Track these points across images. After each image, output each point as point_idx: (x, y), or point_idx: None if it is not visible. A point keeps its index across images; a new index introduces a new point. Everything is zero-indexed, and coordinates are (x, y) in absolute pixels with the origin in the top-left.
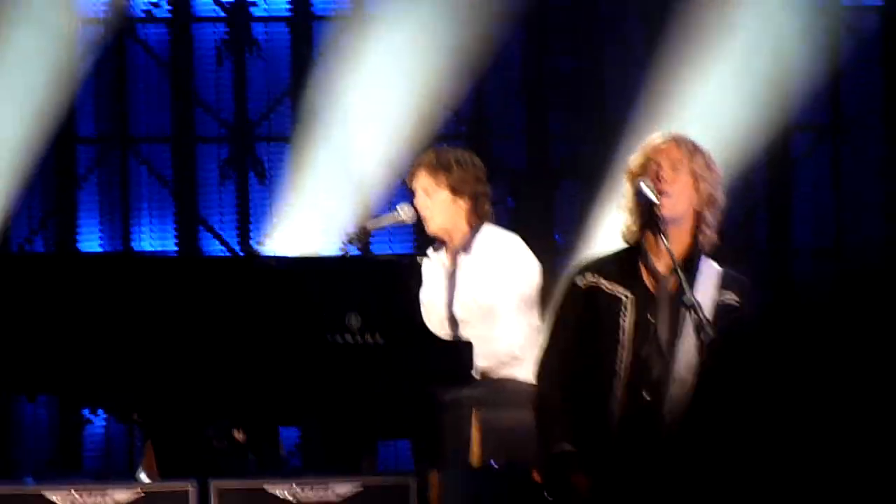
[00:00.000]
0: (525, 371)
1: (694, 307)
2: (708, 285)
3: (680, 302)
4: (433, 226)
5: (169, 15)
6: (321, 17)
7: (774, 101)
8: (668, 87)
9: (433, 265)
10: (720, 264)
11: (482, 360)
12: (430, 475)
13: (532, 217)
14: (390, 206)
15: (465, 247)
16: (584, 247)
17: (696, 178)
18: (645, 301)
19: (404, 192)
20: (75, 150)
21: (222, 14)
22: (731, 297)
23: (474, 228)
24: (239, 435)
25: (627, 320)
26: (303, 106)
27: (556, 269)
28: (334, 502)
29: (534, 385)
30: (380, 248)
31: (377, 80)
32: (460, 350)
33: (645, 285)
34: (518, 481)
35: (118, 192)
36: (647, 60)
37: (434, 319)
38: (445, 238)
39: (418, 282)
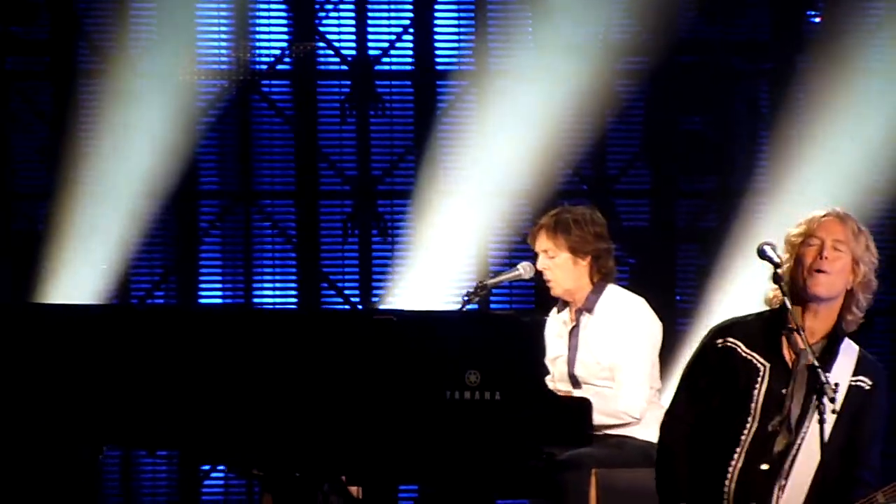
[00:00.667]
0: (643, 431)
1: (825, 385)
2: (845, 365)
3: (815, 378)
4: (557, 288)
5: (292, 69)
6: (444, 73)
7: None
8: (793, 149)
9: (555, 324)
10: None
11: (601, 418)
12: None
13: (654, 276)
14: (510, 263)
15: (589, 306)
16: (704, 308)
17: (855, 259)
18: (780, 373)
19: (523, 249)
20: (198, 205)
21: (346, 69)
22: (864, 381)
23: (597, 287)
24: (355, 492)
25: (761, 390)
26: (425, 162)
27: (677, 330)
28: None
29: (653, 443)
30: (499, 306)
31: (499, 137)
32: (580, 409)
33: (783, 356)
34: None
35: (241, 247)
36: (774, 122)
37: (555, 378)
38: (569, 298)
39: (539, 338)
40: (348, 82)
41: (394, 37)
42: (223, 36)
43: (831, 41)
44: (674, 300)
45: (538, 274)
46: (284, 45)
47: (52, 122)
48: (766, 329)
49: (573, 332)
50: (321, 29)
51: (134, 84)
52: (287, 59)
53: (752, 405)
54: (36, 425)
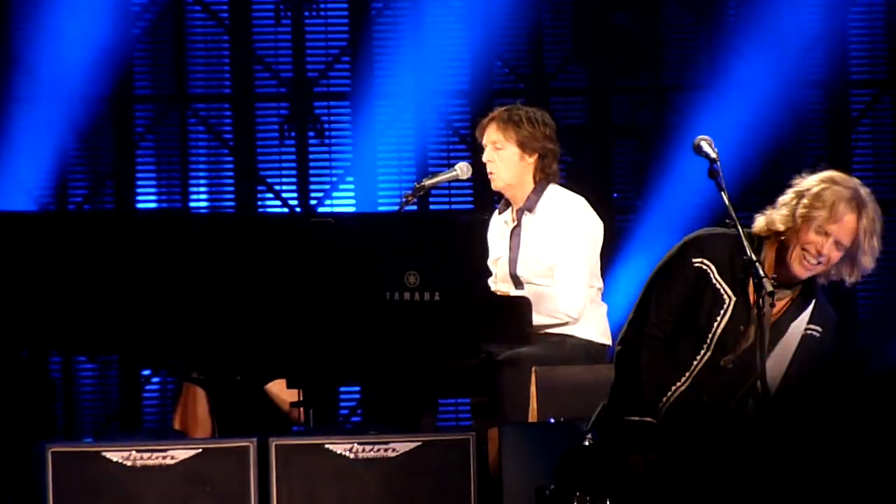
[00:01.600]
0: (582, 329)
1: (763, 279)
2: (802, 314)
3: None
4: (499, 181)
5: None
6: None
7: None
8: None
9: (497, 224)
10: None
11: (542, 317)
12: (489, 432)
13: (590, 175)
14: (448, 164)
15: (530, 206)
16: (642, 205)
17: (855, 257)
18: (743, 309)
19: (460, 149)
20: (133, 109)
21: None
22: (815, 329)
23: (539, 187)
24: (296, 393)
25: (721, 322)
26: (361, 62)
27: (616, 227)
28: (393, 459)
29: (592, 340)
30: (438, 207)
31: (436, 37)
32: (519, 307)
33: (748, 293)
34: (575, 437)
35: (177, 152)
36: (708, 20)
37: (497, 278)
38: (509, 195)
39: (477, 238)
40: None
41: None
42: None
43: None
44: (611, 197)
45: (477, 174)
46: None
47: None
48: (736, 257)
49: (514, 232)
50: None
51: None
52: None
53: (710, 335)
54: None
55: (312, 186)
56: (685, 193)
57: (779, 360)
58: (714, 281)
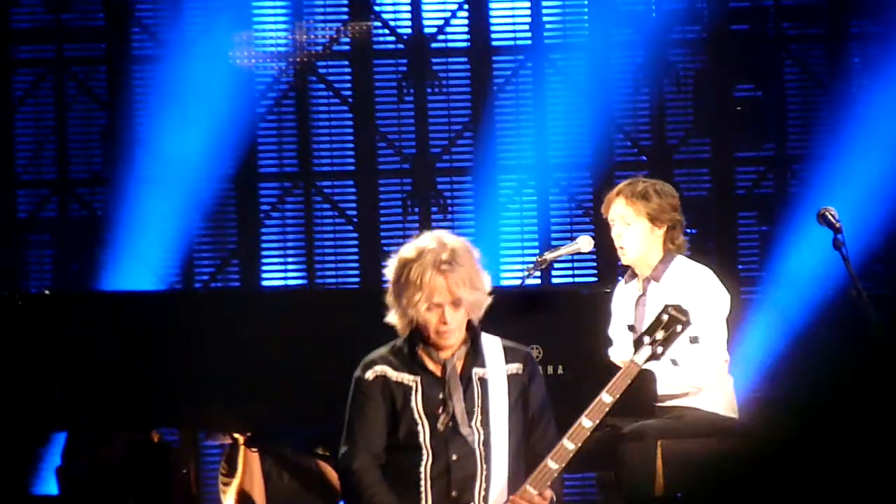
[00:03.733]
0: (709, 402)
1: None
2: (495, 358)
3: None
4: (630, 255)
5: (348, 49)
6: (500, 48)
7: None
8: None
9: (623, 293)
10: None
11: (666, 388)
12: None
13: (714, 246)
14: (571, 236)
15: (657, 276)
16: (767, 276)
17: (468, 304)
18: (431, 383)
19: (583, 222)
20: (258, 187)
21: (402, 47)
22: (515, 367)
23: (666, 258)
24: None
25: (417, 400)
26: (483, 138)
27: (741, 299)
28: None
29: (716, 413)
30: (561, 280)
31: (557, 110)
32: (644, 380)
33: (430, 370)
34: None
35: (303, 228)
36: (830, 86)
37: (624, 350)
38: (638, 267)
39: (599, 311)
40: (405, 60)
41: (449, 13)
42: (280, 18)
43: (885, 3)
44: (736, 269)
45: (598, 246)
46: (340, 24)
47: (109, 107)
48: (405, 353)
49: (640, 301)
50: (376, 8)
51: (190, 68)
52: (343, 40)
53: (416, 415)
54: (91, 412)
55: None
56: (809, 265)
57: (496, 406)
58: (394, 379)
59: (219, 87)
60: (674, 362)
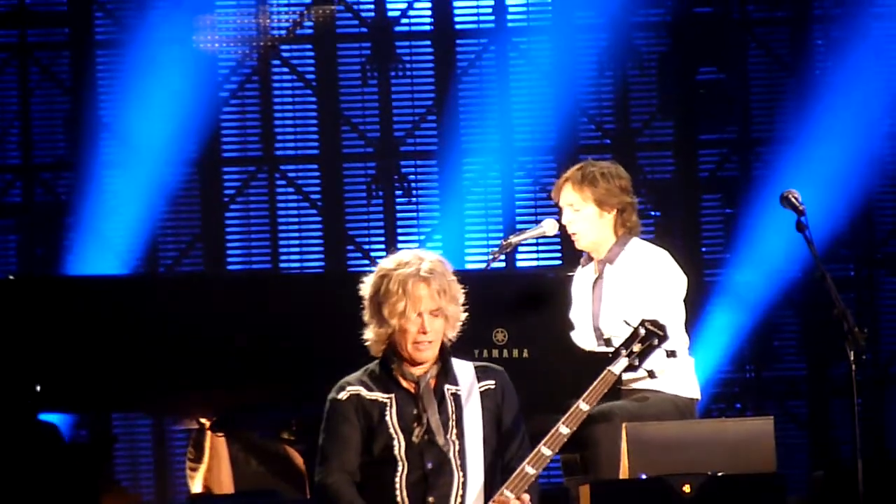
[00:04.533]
0: (670, 384)
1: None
2: (466, 379)
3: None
4: (582, 241)
5: (312, 33)
6: (463, 32)
7: None
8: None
9: (581, 278)
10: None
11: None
12: (580, 489)
13: (678, 229)
14: (536, 220)
15: (611, 258)
16: (731, 258)
17: (447, 316)
18: (405, 399)
19: (548, 205)
20: (222, 171)
21: (365, 31)
22: (489, 384)
23: (621, 240)
24: None
25: (392, 416)
26: (447, 121)
27: (705, 281)
28: None
29: (679, 395)
30: (525, 263)
31: (521, 94)
32: (606, 363)
33: (403, 388)
34: (666, 493)
35: (266, 212)
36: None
37: (583, 332)
38: (593, 251)
39: (564, 295)
40: (368, 44)
41: None
42: (243, 1)
43: None
44: (700, 251)
45: (563, 230)
46: (304, 8)
47: (72, 91)
48: (378, 374)
49: (596, 284)
50: None
51: (154, 52)
52: (307, 23)
53: (391, 430)
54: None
55: (400, 245)
56: (773, 247)
57: (470, 418)
58: (368, 398)
59: (182, 72)
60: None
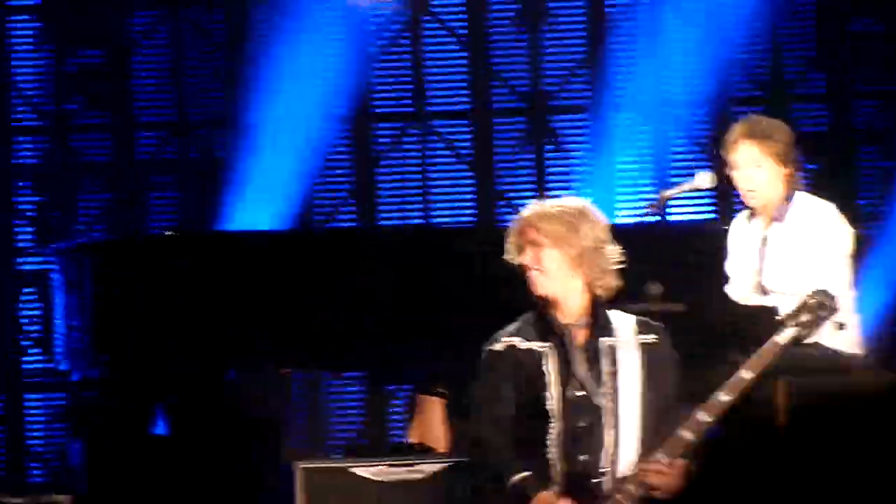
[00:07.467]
0: (831, 338)
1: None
2: (625, 331)
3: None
4: (760, 198)
5: None
6: None
7: None
8: None
9: (743, 233)
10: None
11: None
12: (776, 384)
13: (835, 181)
14: (688, 173)
15: (780, 216)
16: (889, 211)
17: (563, 248)
18: (560, 349)
19: (702, 159)
20: (370, 128)
21: None
22: (649, 338)
23: (790, 196)
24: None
25: (549, 366)
26: (598, 75)
27: (862, 234)
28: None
29: (842, 351)
30: (679, 217)
31: (674, 46)
32: (767, 316)
33: (558, 337)
34: (829, 446)
35: (419, 168)
36: None
37: (743, 287)
38: (763, 208)
39: (720, 248)
40: None
41: None
42: None
43: None
44: (857, 204)
45: (721, 183)
46: None
47: (225, 48)
48: (533, 322)
49: (764, 242)
50: None
51: (305, 9)
52: None
53: (546, 381)
54: (225, 351)
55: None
56: None
57: (627, 373)
58: (523, 347)
59: (333, 28)
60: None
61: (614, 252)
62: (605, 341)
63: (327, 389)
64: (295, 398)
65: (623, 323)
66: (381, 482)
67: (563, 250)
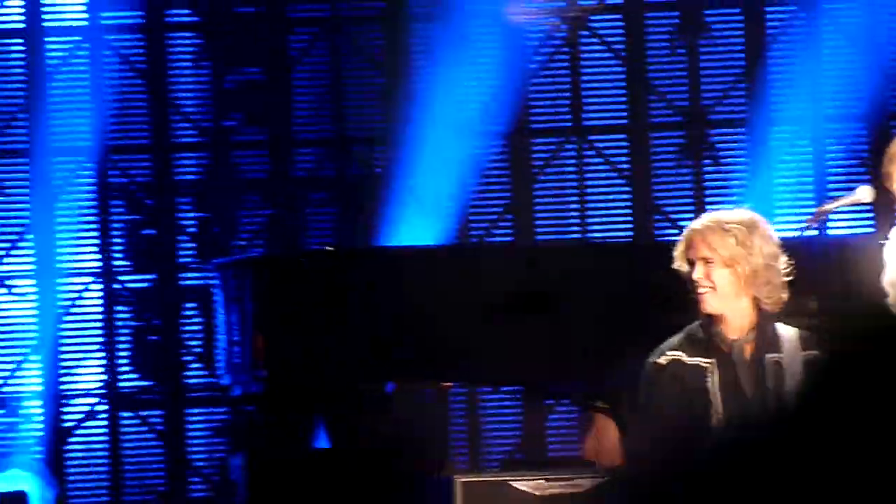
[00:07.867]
0: None
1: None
2: (791, 347)
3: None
4: None
5: (621, 2)
6: (772, 2)
7: None
8: None
9: None
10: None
11: None
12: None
13: None
14: (846, 188)
15: None
16: None
17: (729, 263)
18: (726, 365)
19: (860, 172)
20: (530, 143)
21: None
22: (814, 353)
23: None
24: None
25: (714, 381)
26: (756, 89)
27: None
28: None
29: None
30: (838, 231)
31: (832, 61)
32: None
33: (723, 352)
34: None
35: (574, 184)
36: None
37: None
38: None
39: (877, 261)
40: (677, 13)
41: None
42: None
43: None
44: None
45: (883, 197)
46: None
47: (384, 66)
48: (699, 336)
49: None
50: None
51: (464, 26)
52: None
53: (711, 397)
54: (385, 365)
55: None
56: None
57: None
58: (688, 362)
59: (492, 44)
60: None
61: (784, 265)
62: (770, 357)
63: (485, 403)
64: (453, 412)
65: (788, 337)
66: (540, 496)
67: (734, 269)
